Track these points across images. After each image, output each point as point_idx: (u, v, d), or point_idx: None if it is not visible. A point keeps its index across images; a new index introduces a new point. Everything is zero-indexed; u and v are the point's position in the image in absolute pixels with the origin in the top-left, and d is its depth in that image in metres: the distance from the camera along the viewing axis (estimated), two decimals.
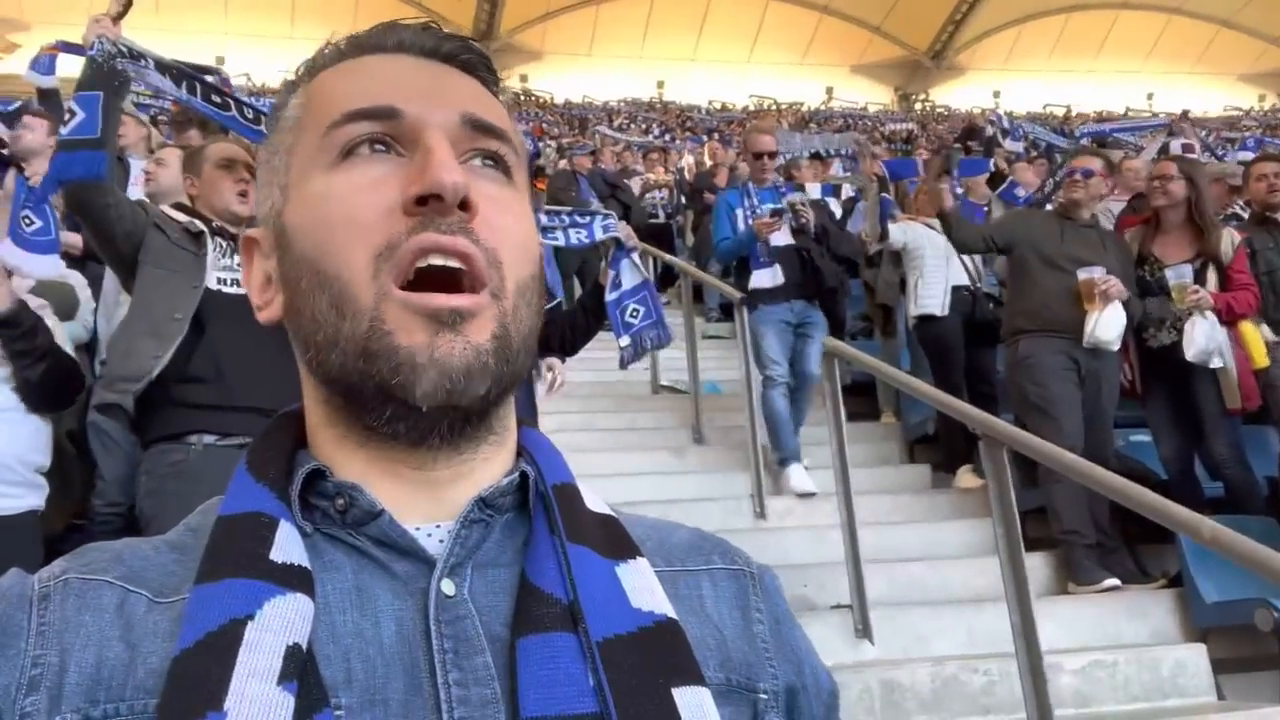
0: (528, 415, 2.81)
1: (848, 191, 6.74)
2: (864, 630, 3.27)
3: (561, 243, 3.09)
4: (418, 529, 0.58)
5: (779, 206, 4.63)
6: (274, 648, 0.49)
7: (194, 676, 0.48)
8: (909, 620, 3.39)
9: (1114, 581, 3.61)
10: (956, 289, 4.92)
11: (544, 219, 3.04)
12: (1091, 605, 3.54)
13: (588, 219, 3.11)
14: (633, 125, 19.33)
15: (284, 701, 0.48)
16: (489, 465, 0.60)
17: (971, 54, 30.23)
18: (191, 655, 0.49)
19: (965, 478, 4.68)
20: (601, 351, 6.33)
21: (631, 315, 3.05)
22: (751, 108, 24.67)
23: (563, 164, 9.63)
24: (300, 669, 0.50)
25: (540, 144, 10.69)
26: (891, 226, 5.07)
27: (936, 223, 5.25)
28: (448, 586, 0.55)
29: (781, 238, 4.65)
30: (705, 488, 4.66)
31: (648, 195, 8.89)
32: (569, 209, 3.27)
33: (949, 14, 28.56)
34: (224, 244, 2.42)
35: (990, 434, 2.52)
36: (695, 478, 4.77)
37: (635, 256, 3.08)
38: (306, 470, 0.57)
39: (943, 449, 4.97)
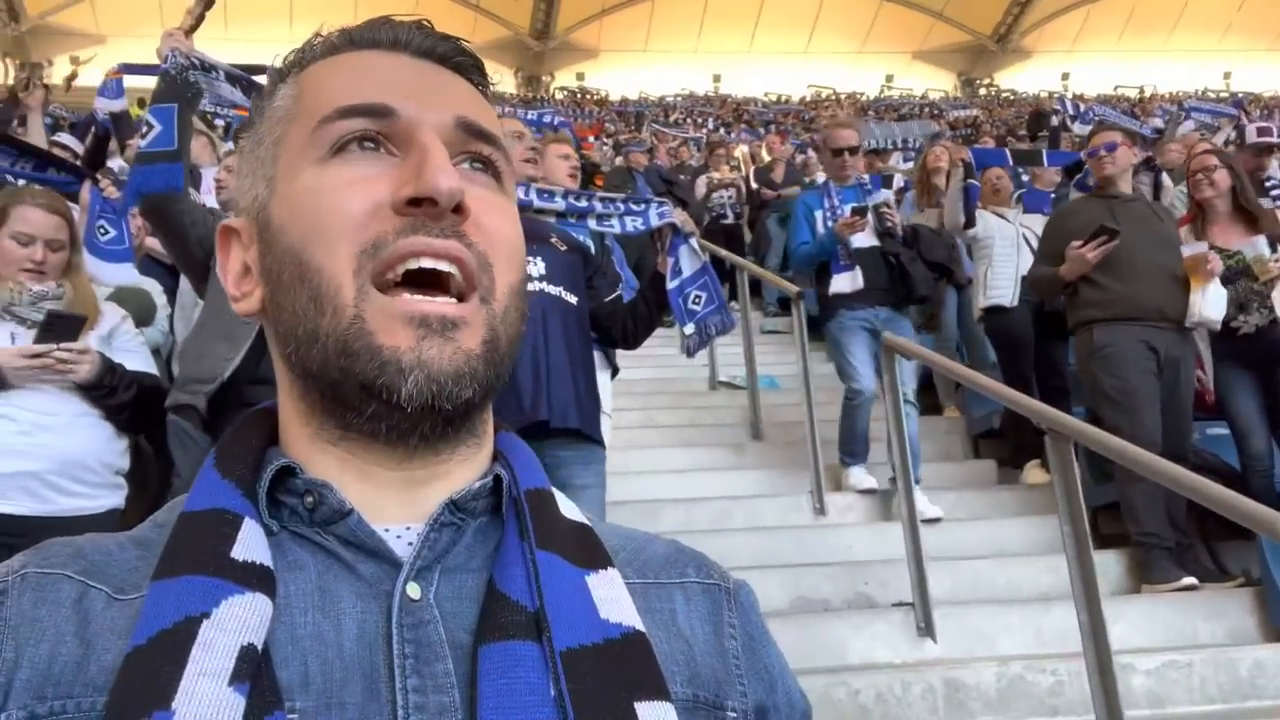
0: (593, 411, 2.79)
1: (899, 183, 6.61)
2: (926, 628, 3.22)
3: (617, 230, 3.05)
4: (387, 530, 0.57)
5: (862, 204, 4.29)
6: (228, 647, 0.48)
7: (144, 674, 0.47)
8: (973, 619, 3.33)
9: (1190, 581, 3.49)
10: (1026, 279, 4.79)
11: (599, 206, 3.01)
12: (1166, 604, 3.43)
13: (643, 206, 3.07)
14: (689, 120, 19.28)
15: (234, 703, 0.47)
16: (465, 467, 0.59)
17: (1038, 36, 29.43)
18: (144, 652, 0.48)
19: (1033, 473, 4.57)
20: (660, 348, 6.35)
21: (694, 302, 3.00)
22: (809, 98, 24.40)
23: (619, 161, 9.66)
24: (254, 670, 0.49)
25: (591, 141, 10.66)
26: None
27: (1007, 211, 5.14)
28: (413, 590, 0.54)
29: (863, 239, 4.29)
30: (764, 484, 4.64)
31: (714, 195, 8.51)
32: (623, 196, 3.22)
33: None
34: None
35: (1056, 428, 2.46)
36: (754, 474, 4.75)
37: (694, 242, 3.04)
38: (275, 467, 0.56)
39: (1009, 444, 4.87)
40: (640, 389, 5.84)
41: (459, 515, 0.57)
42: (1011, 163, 5.74)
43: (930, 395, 5.67)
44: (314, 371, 0.55)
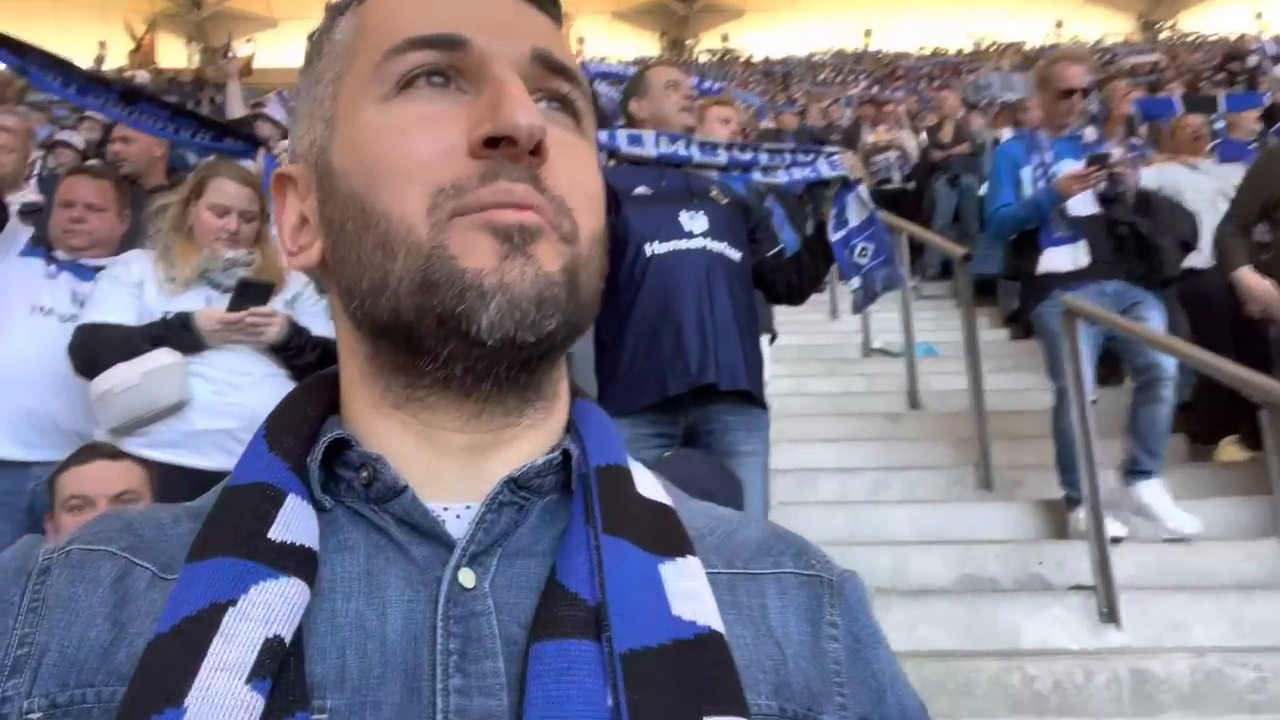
0: (760, 372, 2.70)
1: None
2: (1110, 614, 3.00)
3: (784, 181, 2.90)
4: (446, 508, 0.51)
5: (1102, 153, 3.49)
6: (250, 639, 0.44)
7: (161, 666, 0.44)
8: (1162, 606, 3.08)
9: None
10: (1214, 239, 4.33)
11: (764, 158, 2.89)
12: None
13: (811, 156, 2.93)
14: (838, 78, 18.67)
15: (251, 702, 0.43)
16: (533, 434, 0.53)
17: None
18: (165, 641, 0.44)
19: (1228, 450, 4.18)
20: (810, 313, 6.19)
21: (860, 255, 2.84)
22: (968, 49, 23.13)
23: (767, 123, 9.44)
24: (279, 664, 0.44)
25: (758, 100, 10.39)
26: (1145, 172, 4.45)
27: (1201, 163, 4.68)
28: (466, 577, 0.49)
29: (1082, 204, 3.47)
30: (924, 455, 4.45)
31: (875, 159, 7.93)
32: (790, 146, 3.07)
33: None
34: None
35: (1273, 401, 2.21)
36: (913, 445, 4.56)
37: (862, 190, 2.89)
38: (329, 439, 0.52)
39: (1202, 418, 4.47)
40: (790, 355, 5.71)
41: (521, 494, 0.51)
42: (1182, 110, 5.22)
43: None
44: (384, 321, 0.50)
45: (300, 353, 2.46)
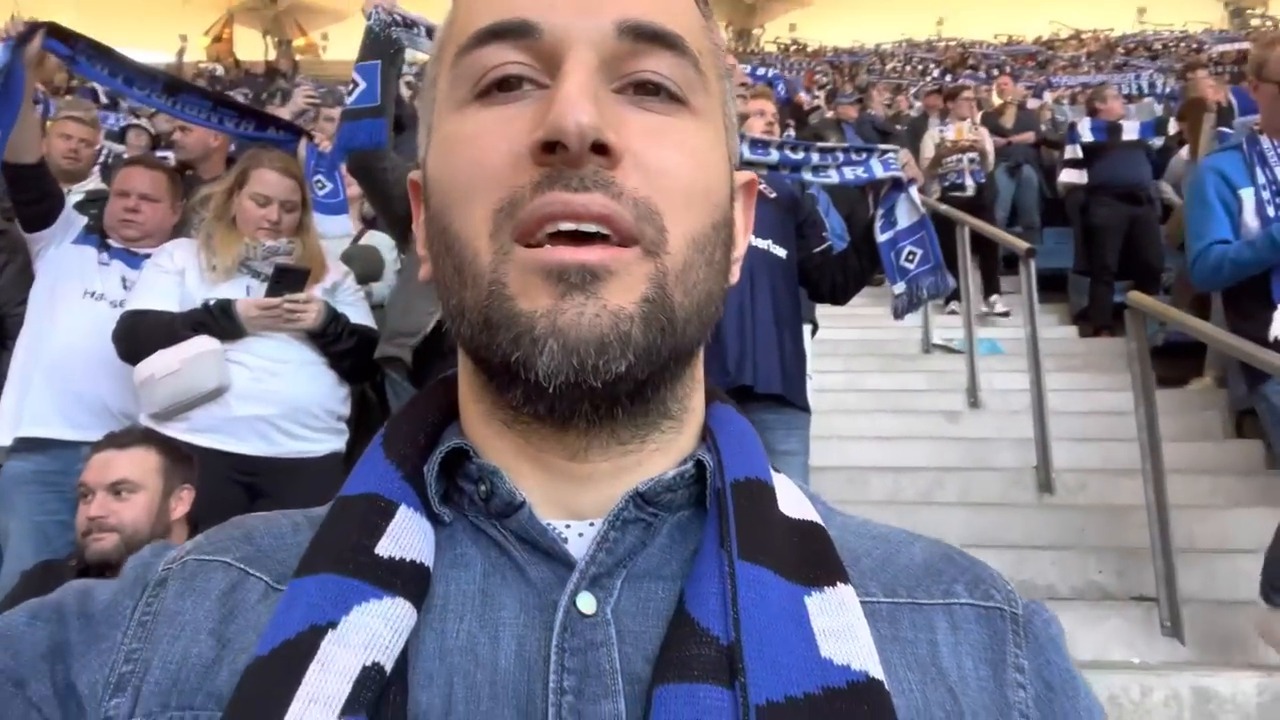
0: (798, 375, 2.62)
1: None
2: (1173, 628, 2.86)
3: (835, 181, 2.82)
4: (569, 525, 0.48)
5: None
6: (347, 668, 0.40)
7: (255, 695, 0.41)
8: (1230, 621, 2.92)
9: None
10: None
11: (815, 158, 2.83)
12: None
13: (864, 156, 2.84)
14: (907, 67, 18.27)
15: None
16: (662, 457, 0.49)
17: None
18: (263, 666, 0.41)
19: None
20: (867, 307, 6.05)
21: (907, 259, 2.77)
22: (1046, 37, 22.41)
23: (828, 114, 9.23)
24: (377, 695, 0.41)
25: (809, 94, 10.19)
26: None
27: None
28: (586, 603, 0.44)
29: None
30: (982, 456, 4.30)
31: (947, 160, 6.57)
32: (845, 145, 2.98)
33: None
34: None
35: None
36: (971, 445, 4.42)
37: (914, 191, 2.78)
38: (447, 448, 0.49)
39: None
40: (846, 350, 5.60)
41: (649, 510, 0.47)
42: None
43: (1183, 364, 5.04)
44: (468, 349, 0.48)
45: (338, 340, 2.47)
